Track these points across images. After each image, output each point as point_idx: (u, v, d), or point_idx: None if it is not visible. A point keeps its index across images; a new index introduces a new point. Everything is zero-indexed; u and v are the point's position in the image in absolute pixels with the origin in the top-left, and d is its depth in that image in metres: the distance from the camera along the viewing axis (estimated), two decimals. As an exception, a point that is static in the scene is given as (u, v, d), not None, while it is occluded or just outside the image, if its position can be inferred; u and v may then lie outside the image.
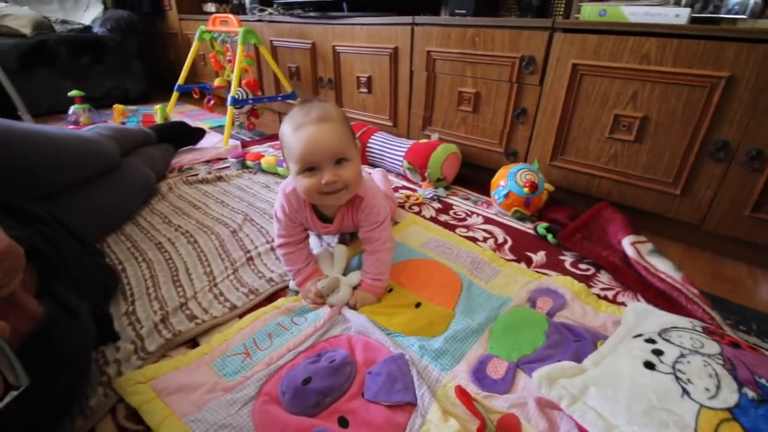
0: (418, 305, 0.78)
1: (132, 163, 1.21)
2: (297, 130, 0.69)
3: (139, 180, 1.20)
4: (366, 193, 0.80)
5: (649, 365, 0.56)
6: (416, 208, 1.25)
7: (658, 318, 0.68)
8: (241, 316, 0.77)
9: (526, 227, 1.14)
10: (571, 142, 1.19)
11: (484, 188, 1.36)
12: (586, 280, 0.89)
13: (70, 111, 2.00)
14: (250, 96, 1.95)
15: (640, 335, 0.64)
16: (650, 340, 0.61)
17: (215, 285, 0.86)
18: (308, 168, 0.71)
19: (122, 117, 2.05)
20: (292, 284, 0.85)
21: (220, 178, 1.45)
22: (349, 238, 1.02)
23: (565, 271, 0.93)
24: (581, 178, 1.20)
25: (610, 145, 1.13)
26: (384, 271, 0.81)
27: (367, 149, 1.57)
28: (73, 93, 2.01)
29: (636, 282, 0.86)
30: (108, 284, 0.79)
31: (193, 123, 2.18)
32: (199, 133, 1.81)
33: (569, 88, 1.14)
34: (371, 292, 0.80)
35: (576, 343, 0.68)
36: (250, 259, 0.95)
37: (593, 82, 1.10)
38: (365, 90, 1.73)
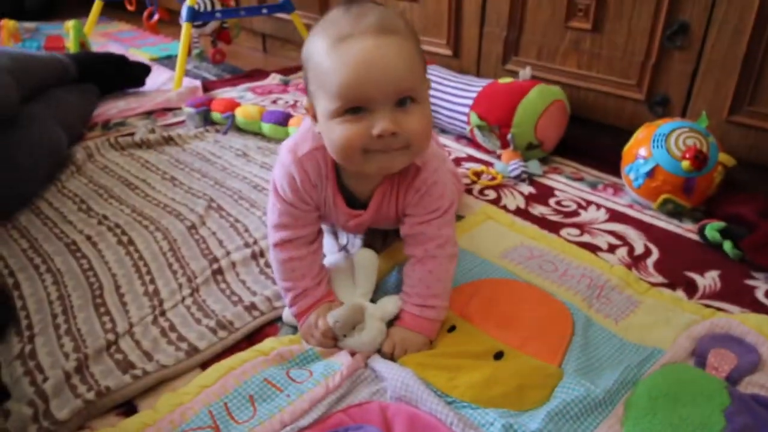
0: (499, 355, 0.78)
1: (35, 115, 1.24)
2: (340, 43, 0.68)
3: (45, 143, 1.22)
4: (426, 161, 0.79)
5: None
6: (492, 194, 1.25)
7: None
8: (204, 365, 0.77)
9: (686, 229, 1.12)
10: None
11: (608, 161, 1.35)
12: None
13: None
14: (218, 7, 1.96)
15: None
16: None
17: (163, 313, 0.86)
18: (352, 108, 0.69)
19: (14, 40, 2.10)
20: (287, 314, 0.85)
21: (169, 140, 1.47)
22: (381, 241, 1.01)
23: (757, 306, 0.91)
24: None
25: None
26: (441, 292, 0.81)
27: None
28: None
29: None
30: None
31: (127, 51, 2.23)
32: (143, 72, 1.85)
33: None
34: (418, 329, 0.79)
35: (781, 432, 0.66)
36: (219, 271, 0.96)
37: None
38: (407, -5, 1.73)
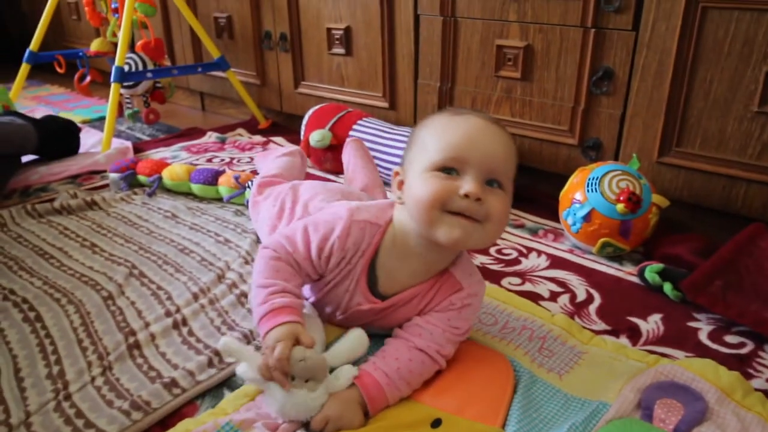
0: (437, 423, 0.74)
1: None
2: (457, 116, 0.78)
3: None
4: (471, 284, 0.83)
5: None
6: (431, 245, 1.23)
7: None
8: (111, 455, 0.72)
9: (627, 272, 1.12)
10: (693, 123, 1.19)
11: (548, 206, 1.36)
12: (740, 363, 0.87)
13: None
14: (150, 66, 1.94)
15: None
16: None
17: (68, 397, 0.79)
18: (445, 167, 0.74)
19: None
20: (241, 369, 0.74)
21: (92, 204, 1.41)
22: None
23: (700, 349, 0.90)
24: (715, 184, 1.18)
25: (764, 124, 1.10)
26: (414, 385, 0.80)
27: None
28: None
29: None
30: None
31: (57, 114, 2.16)
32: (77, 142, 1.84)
33: (685, 33, 1.14)
34: (368, 398, 0.75)
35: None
36: (135, 345, 0.90)
37: (727, 21, 1.09)
38: (341, 50, 1.75)
